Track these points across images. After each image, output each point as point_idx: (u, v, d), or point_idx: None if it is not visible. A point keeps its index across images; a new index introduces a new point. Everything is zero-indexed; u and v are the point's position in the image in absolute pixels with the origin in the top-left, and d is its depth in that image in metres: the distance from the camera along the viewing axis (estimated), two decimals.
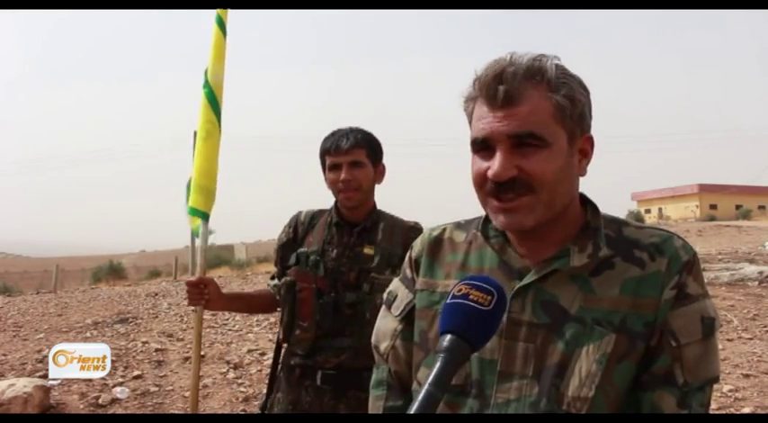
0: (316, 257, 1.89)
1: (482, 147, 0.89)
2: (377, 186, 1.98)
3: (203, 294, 1.95)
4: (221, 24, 2.22)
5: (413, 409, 0.66)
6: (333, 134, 1.90)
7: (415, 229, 1.95)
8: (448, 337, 0.72)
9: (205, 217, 2.16)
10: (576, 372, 0.87)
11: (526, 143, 0.86)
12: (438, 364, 0.69)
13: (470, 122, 0.95)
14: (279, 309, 1.99)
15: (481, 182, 0.90)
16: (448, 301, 0.77)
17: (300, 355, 1.89)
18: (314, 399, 1.87)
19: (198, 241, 2.20)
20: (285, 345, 1.96)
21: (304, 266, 1.90)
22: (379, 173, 1.95)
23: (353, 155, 1.85)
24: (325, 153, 1.90)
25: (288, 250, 1.98)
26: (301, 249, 1.93)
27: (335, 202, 1.97)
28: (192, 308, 2.09)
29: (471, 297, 0.75)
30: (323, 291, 1.86)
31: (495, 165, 0.86)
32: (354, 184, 1.86)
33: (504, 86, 0.86)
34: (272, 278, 2.07)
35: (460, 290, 0.76)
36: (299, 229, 1.98)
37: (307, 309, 1.86)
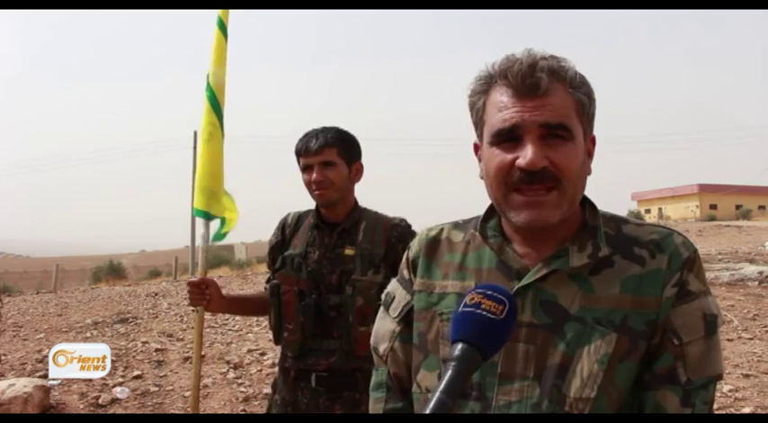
0: (299, 260, 1.89)
1: (507, 138, 0.88)
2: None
3: (204, 295, 1.95)
4: (222, 27, 2.22)
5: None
6: (305, 135, 1.90)
7: (399, 226, 1.92)
8: (460, 345, 0.72)
9: (209, 217, 2.17)
10: (577, 372, 0.86)
11: (554, 134, 0.86)
12: (449, 373, 0.69)
13: (480, 117, 0.94)
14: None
15: (504, 174, 0.88)
16: (459, 309, 0.76)
17: (292, 357, 1.90)
18: (310, 400, 1.87)
19: (199, 241, 2.22)
20: (278, 347, 1.97)
21: (288, 269, 1.90)
22: (355, 171, 1.93)
23: (324, 155, 1.85)
24: (297, 155, 1.90)
25: (277, 253, 1.98)
26: (287, 252, 1.94)
27: (316, 204, 1.97)
28: (193, 308, 2.09)
29: (483, 306, 0.74)
30: (305, 293, 1.86)
31: (528, 153, 0.85)
32: (326, 183, 1.85)
33: (537, 73, 0.86)
34: (268, 281, 2.06)
35: (472, 299, 0.76)
36: (286, 232, 1.99)
37: (291, 311, 1.87)
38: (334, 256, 1.88)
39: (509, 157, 0.87)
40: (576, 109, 0.89)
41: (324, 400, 1.85)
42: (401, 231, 1.91)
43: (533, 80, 0.86)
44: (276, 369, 2.07)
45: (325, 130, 1.89)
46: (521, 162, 0.86)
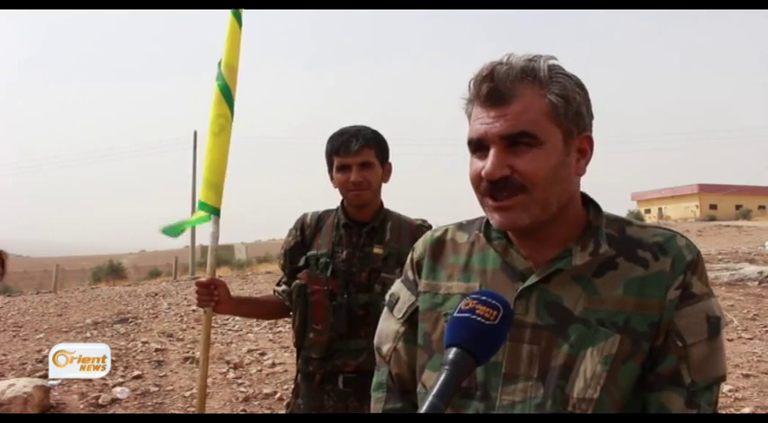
0: (326, 259, 1.86)
1: (477, 147, 0.90)
2: (384, 185, 1.94)
3: (213, 296, 1.91)
4: (237, 15, 2.13)
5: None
6: (341, 134, 1.86)
7: (423, 227, 1.92)
8: (453, 350, 0.72)
9: (216, 212, 2.08)
10: (580, 373, 0.87)
11: (519, 142, 0.87)
12: (442, 377, 0.70)
13: (469, 123, 0.95)
14: (290, 314, 1.95)
15: (477, 182, 0.91)
16: (454, 314, 0.77)
17: (317, 359, 1.86)
18: (337, 402, 1.84)
19: (208, 241, 2.11)
20: (300, 350, 1.93)
21: (314, 269, 1.87)
22: (386, 171, 1.92)
23: (363, 156, 1.82)
24: (333, 153, 1.86)
25: (296, 254, 1.94)
26: (311, 252, 1.90)
27: (342, 203, 1.94)
28: (200, 309, 2.04)
29: (477, 311, 0.75)
30: (335, 293, 1.84)
31: (487, 164, 0.87)
32: (365, 184, 1.83)
33: (493, 84, 0.87)
34: (278, 284, 2.03)
35: (467, 304, 0.77)
36: (306, 232, 1.95)
37: (320, 312, 1.84)
38: (363, 254, 1.86)
39: (480, 165, 0.89)
40: (548, 112, 0.88)
41: (353, 401, 1.82)
42: (425, 232, 1.93)
43: (488, 91, 0.87)
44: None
45: (361, 129, 1.87)
46: (482, 172, 0.88)
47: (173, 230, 2.15)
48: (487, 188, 0.89)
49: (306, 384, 1.91)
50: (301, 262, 1.91)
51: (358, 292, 1.84)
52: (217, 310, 1.96)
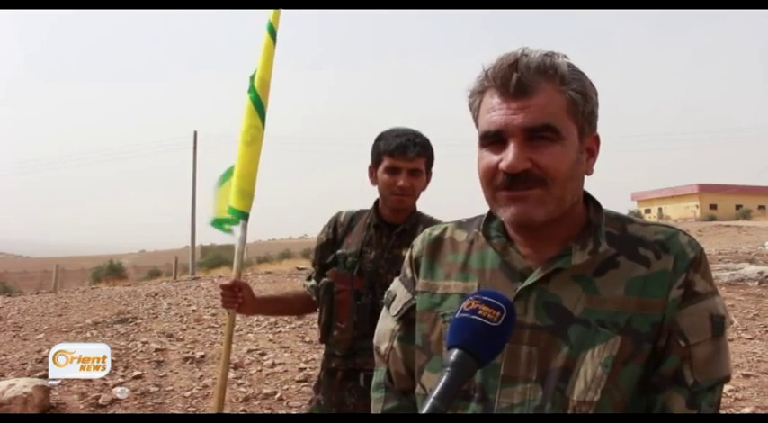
0: (353, 259, 1.89)
1: (493, 140, 0.87)
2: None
3: (237, 298, 1.94)
4: (272, 31, 2.23)
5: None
6: (398, 135, 1.87)
7: None
8: (455, 351, 0.71)
9: (245, 217, 2.17)
10: (581, 375, 0.85)
11: (540, 136, 0.85)
12: (444, 379, 0.68)
13: (476, 117, 0.93)
14: (317, 309, 1.99)
15: (491, 176, 0.88)
16: (457, 315, 0.76)
17: (340, 356, 1.90)
18: (358, 400, 1.86)
19: (236, 244, 2.16)
20: (324, 347, 1.96)
21: (342, 268, 1.90)
22: (428, 180, 1.95)
23: (416, 163, 1.85)
24: (386, 153, 1.87)
25: (327, 251, 1.98)
26: (339, 251, 1.93)
27: (375, 203, 1.96)
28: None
29: (480, 312, 0.74)
30: (360, 292, 1.87)
31: (508, 156, 0.84)
32: (410, 191, 1.86)
33: (519, 75, 0.85)
34: (309, 279, 2.06)
35: (470, 305, 0.75)
36: (338, 230, 1.99)
37: (344, 310, 1.87)
38: (391, 256, 1.88)
39: (495, 158, 0.87)
40: (568, 108, 0.87)
41: None
42: None
43: (515, 81, 0.85)
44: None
45: (418, 136, 1.89)
46: (502, 165, 0.85)
47: (219, 224, 2.22)
48: (505, 182, 0.86)
49: (328, 380, 1.95)
50: (329, 259, 1.95)
51: (383, 293, 1.85)
52: (241, 311, 1.99)
